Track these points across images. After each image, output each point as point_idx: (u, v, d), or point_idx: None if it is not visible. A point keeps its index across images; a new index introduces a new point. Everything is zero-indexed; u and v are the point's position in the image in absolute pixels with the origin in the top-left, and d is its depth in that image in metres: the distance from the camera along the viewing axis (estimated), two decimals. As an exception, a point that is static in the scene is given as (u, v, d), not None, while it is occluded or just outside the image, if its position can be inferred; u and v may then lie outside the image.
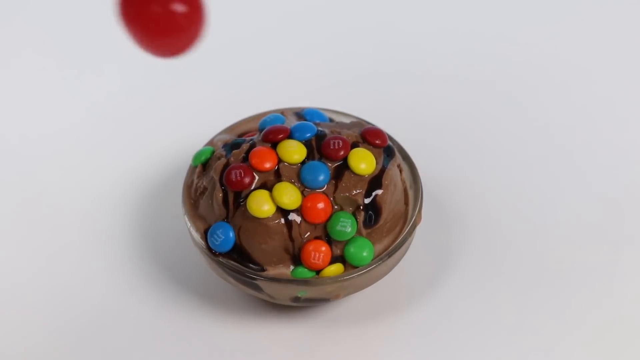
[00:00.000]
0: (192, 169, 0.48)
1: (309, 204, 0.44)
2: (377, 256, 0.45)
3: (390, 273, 0.46)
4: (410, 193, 0.48)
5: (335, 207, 0.44)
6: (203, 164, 0.47)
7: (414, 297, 0.49)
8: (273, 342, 0.47)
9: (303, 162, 0.45)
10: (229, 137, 0.49)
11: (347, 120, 0.50)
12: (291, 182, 0.44)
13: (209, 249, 0.45)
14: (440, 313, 0.48)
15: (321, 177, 0.44)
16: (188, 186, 0.47)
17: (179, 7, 0.32)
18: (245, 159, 0.45)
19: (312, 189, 0.44)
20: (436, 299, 0.49)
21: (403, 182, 0.47)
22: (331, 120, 0.50)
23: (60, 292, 0.49)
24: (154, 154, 0.55)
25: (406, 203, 0.47)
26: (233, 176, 0.44)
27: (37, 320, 0.48)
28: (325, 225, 0.44)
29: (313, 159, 0.45)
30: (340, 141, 0.45)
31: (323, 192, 0.44)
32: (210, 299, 0.49)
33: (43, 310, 0.48)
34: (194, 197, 0.47)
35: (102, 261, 0.50)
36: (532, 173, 0.55)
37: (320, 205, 0.44)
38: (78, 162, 0.55)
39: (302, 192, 0.44)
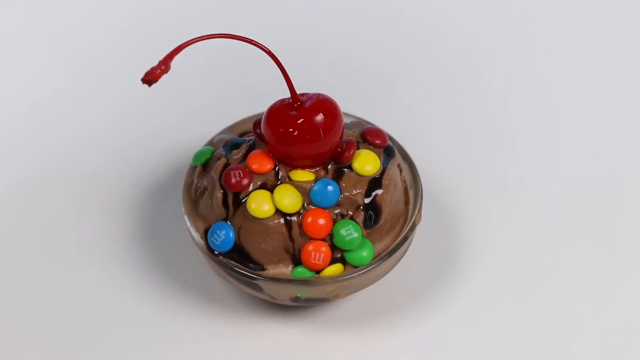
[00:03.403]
0: (192, 169, 0.48)
1: (309, 220, 0.43)
2: (377, 256, 0.45)
3: (390, 273, 0.46)
4: (410, 193, 0.47)
5: (336, 210, 0.44)
6: (203, 164, 0.47)
7: (414, 297, 0.49)
8: (273, 342, 0.47)
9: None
10: (229, 137, 0.49)
11: (347, 120, 0.50)
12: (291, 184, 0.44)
13: (209, 248, 0.45)
14: (440, 313, 0.48)
15: (331, 195, 0.44)
16: (188, 186, 0.47)
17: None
18: (245, 159, 0.45)
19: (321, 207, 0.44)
20: (436, 299, 0.49)
21: (403, 181, 0.47)
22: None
23: (60, 291, 0.49)
24: (154, 154, 0.55)
25: (406, 203, 0.47)
26: (231, 177, 0.44)
27: (37, 320, 0.48)
28: (331, 237, 0.44)
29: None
30: (345, 143, 0.45)
31: None
32: (210, 299, 0.49)
33: (42, 310, 0.48)
34: (194, 197, 0.47)
35: (101, 261, 0.50)
36: (532, 172, 0.55)
37: (321, 221, 0.43)
38: (78, 161, 0.55)
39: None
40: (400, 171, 0.47)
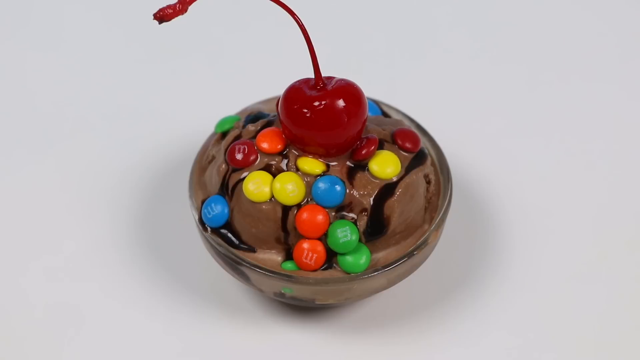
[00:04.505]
0: (212, 135, 0.46)
1: (305, 215, 0.40)
2: (373, 266, 0.41)
3: (405, 281, 0.43)
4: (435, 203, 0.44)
5: (338, 210, 0.41)
6: (223, 133, 0.45)
7: (421, 307, 0.46)
8: (274, 344, 0.45)
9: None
10: (259, 108, 0.46)
11: (396, 116, 0.46)
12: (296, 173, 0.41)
13: (201, 221, 0.42)
14: (446, 319, 0.46)
15: (336, 195, 0.41)
16: (203, 151, 0.45)
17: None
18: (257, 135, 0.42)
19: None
20: (445, 309, 0.46)
21: (430, 194, 0.43)
22: (383, 113, 0.47)
23: (59, 290, 0.47)
24: (155, 150, 0.53)
25: (426, 217, 0.43)
26: (236, 152, 0.41)
27: (36, 320, 0.46)
28: (326, 237, 0.41)
29: None
30: (365, 139, 0.41)
31: None
32: (212, 299, 0.47)
33: (42, 310, 0.47)
34: (204, 164, 0.44)
35: (101, 259, 0.49)
36: (537, 177, 0.52)
37: (319, 218, 0.40)
38: (78, 156, 0.54)
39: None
40: (429, 182, 0.43)
